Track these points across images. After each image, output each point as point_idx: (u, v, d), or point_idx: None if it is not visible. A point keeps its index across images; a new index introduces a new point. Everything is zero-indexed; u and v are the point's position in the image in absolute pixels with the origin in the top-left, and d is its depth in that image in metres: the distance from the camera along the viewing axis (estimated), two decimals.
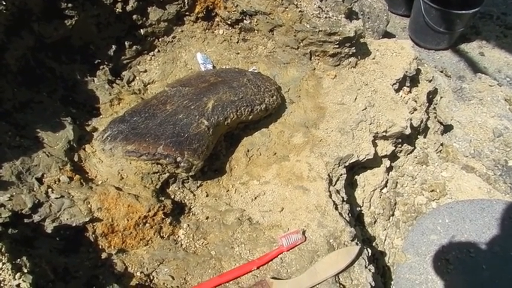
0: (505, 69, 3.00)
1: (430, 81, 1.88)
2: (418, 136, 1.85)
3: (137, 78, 1.55)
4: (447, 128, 2.06)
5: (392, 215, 1.58)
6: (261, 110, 1.44)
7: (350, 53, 1.63)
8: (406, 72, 1.71)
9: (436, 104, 1.99)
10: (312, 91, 1.60)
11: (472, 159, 1.97)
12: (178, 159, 1.23)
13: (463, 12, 2.79)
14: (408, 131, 1.58)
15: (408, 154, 1.76)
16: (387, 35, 2.58)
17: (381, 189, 1.59)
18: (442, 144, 1.96)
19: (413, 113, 1.74)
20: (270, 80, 1.55)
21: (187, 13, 1.59)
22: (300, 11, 1.55)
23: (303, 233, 1.20)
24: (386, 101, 1.61)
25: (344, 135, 1.48)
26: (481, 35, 3.18)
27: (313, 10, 1.56)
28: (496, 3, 3.29)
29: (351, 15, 1.73)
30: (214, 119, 1.34)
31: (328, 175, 1.36)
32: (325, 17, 1.56)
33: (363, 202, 1.52)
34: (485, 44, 3.13)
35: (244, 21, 1.63)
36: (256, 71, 1.63)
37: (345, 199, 1.36)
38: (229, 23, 1.64)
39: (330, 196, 1.30)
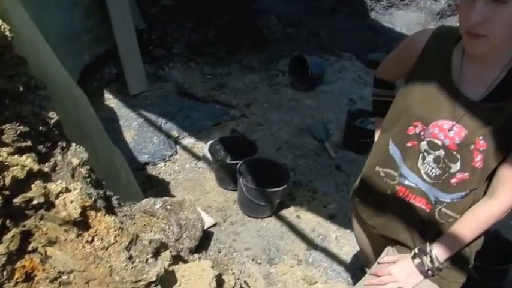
0: (317, 228, 3.72)
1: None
2: None
3: None
4: None
5: None
6: None
7: None
8: None
9: None
10: None
11: None
12: None
13: (276, 189, 3.55)
14: None
15: None
16: (205, 234, 3.12)
17: None
18: None
19: None
20: None
21: (6, 281, 1.81)
22: (109, 266, 1.89)
23: None
24: None
25: None
26: (296, 200, 3.95)
27: (121, 263, 1.92)
28: (304, 173, 4.20)
29: (160, 249, 2.14)
30: None
31: None
32: (132, 267, 1.94)
33: None
34: (300, 208, 3.88)
35: (62, 277, 1.91)
36: None
37: None
38: (48, 281, 1.90)
39: None
